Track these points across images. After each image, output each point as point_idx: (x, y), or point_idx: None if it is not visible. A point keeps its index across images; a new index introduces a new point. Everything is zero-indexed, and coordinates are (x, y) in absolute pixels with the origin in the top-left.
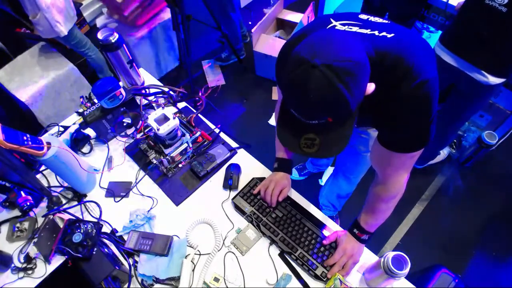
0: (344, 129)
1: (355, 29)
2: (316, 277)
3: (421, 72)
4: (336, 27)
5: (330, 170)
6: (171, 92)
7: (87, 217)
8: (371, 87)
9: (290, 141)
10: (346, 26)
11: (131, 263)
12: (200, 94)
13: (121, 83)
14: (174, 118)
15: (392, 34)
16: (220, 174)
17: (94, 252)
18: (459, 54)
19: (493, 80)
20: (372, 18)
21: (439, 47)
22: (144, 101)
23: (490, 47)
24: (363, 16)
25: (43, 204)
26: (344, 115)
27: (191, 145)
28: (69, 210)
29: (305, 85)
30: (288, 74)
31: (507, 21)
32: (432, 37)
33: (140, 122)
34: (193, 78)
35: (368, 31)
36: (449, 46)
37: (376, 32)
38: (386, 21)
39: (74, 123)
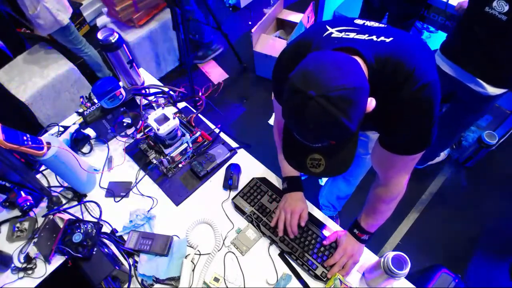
0: (348, 148)
1: (352, 35)
2: (316, 277)
3: (422, 75)
4: (333, 35)
5: None
6: (171, 92)
7: (87, 217)
8: (372, 103)
9: (296, 162)
10: (343, 33)
11: (131, 263)
12: (200, 94)
13: (121, 83)
14: (174, 118)
15: (391, 38)
16: (220, 174)
17: (94, 252)
18: (458, 63)
19: (492, 91)
20: (368, 23)
21: (439, 56)
22: (144, 101)
23: (489, 56)
24: (359, 21)
25: (43, 204)
26: (346, 137)
27: (191, 145)
28: (69, 210)
29: (302, 115)
30: (286, 102)
31: (507, 30)
32: (432, 37)
33: (140, 122)
34: (193, 78)
35: (365, 37)
36: (449, 55)
37: (374, 37)
38: (383, 25)
39: (74, 123)
